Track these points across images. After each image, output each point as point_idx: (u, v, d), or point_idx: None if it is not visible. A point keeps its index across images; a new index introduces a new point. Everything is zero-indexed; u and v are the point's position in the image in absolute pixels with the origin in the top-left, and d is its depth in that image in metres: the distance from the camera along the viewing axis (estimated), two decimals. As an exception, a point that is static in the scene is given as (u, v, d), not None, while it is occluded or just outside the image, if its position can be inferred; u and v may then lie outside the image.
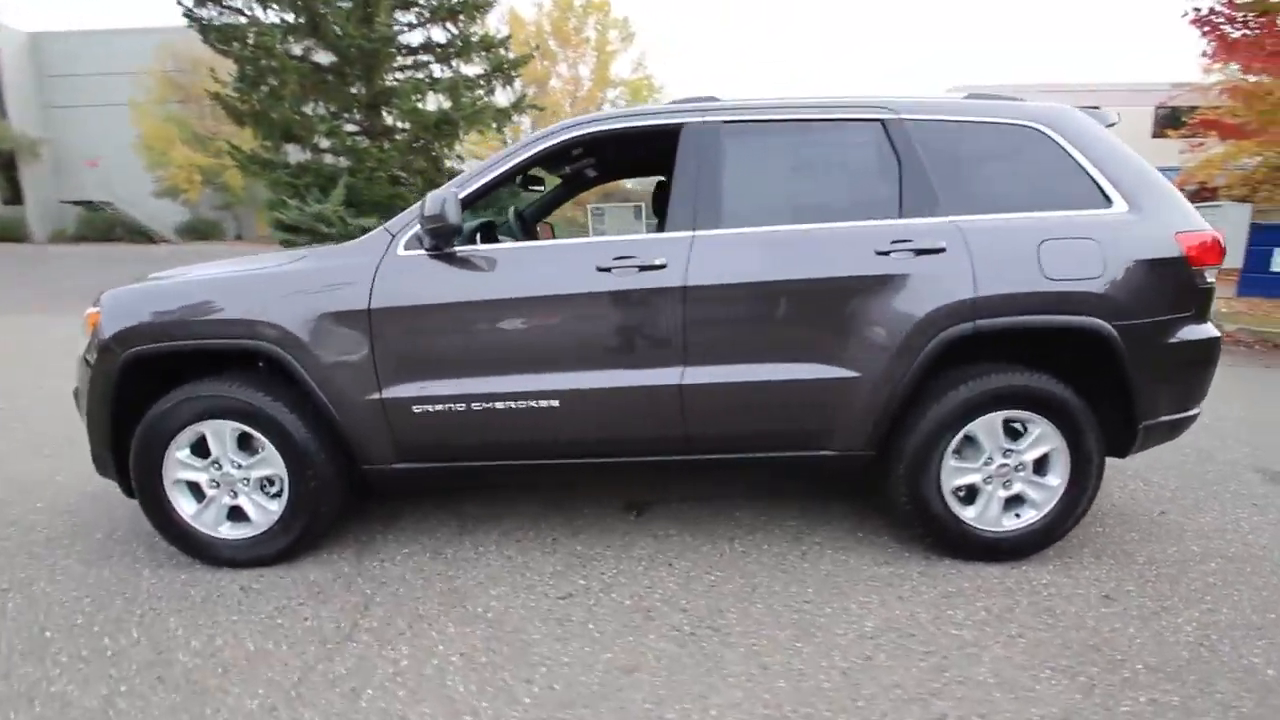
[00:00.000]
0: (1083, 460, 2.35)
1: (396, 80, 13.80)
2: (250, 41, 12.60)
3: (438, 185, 15.50)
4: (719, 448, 2.40)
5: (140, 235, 25.12)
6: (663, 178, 3.74)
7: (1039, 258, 2.26)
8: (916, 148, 2.35)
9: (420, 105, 13.29)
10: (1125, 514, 2.89)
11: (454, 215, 2.18)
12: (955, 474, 2.38)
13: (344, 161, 13.09)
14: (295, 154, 13.81)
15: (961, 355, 2.32)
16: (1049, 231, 2.28)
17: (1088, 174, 2.37)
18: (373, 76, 13.29)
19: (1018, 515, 2.43)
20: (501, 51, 13.84)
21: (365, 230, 12.77)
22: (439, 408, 2.31)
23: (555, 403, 2.30)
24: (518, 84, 15.60)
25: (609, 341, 2.30)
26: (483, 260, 2.33)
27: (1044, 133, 2.41)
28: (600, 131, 2.40)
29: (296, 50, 13.17)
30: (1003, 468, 2.38)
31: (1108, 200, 2.36)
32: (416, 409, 2.31)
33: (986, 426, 2.34)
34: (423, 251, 2.32)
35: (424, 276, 2.30)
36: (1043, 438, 2.35)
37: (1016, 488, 2.40)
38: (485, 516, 2.87)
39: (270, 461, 2.38)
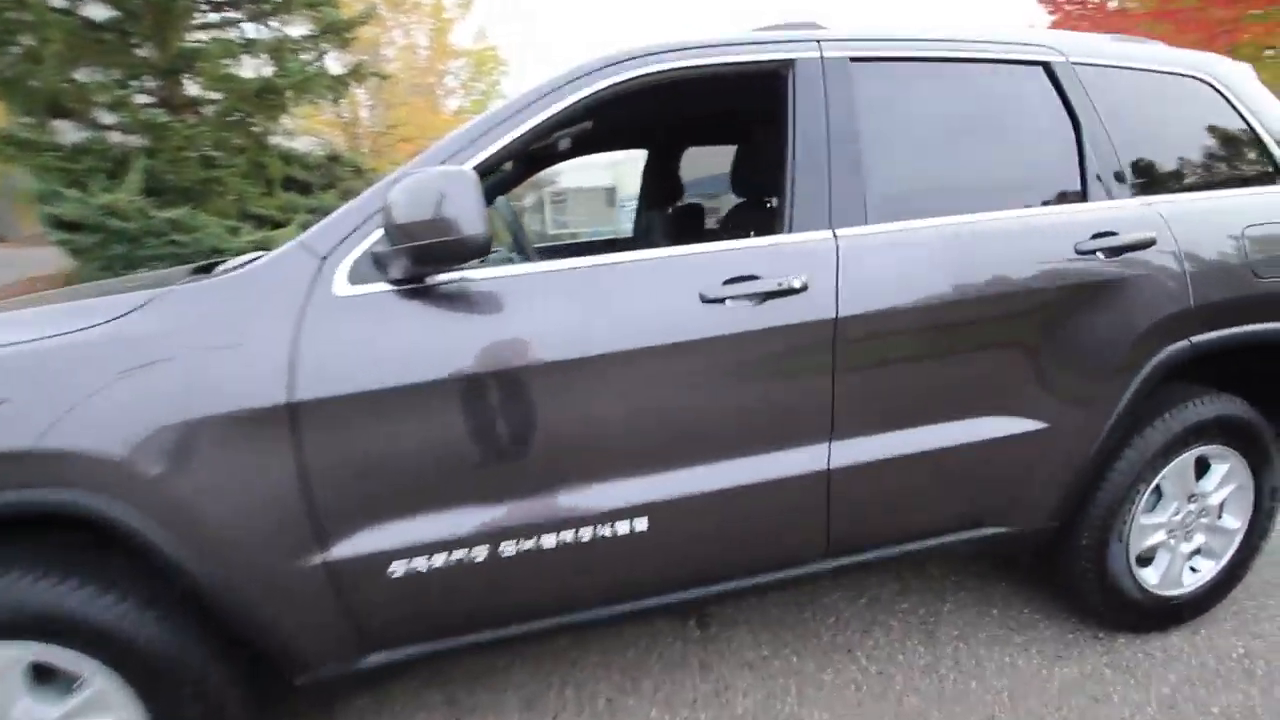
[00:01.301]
0: (1264, 495, 1.84)
1: (200, 41, 11.07)
2: (-13, -13, 9.35)
3: (263, 165, 12.94)
4: (867, 546, 1.58)
5: None
6: (647, 151, 2.78)
7: (1245, 250, 1.66)
8: (1093, 103, 1.64)
9: (233, 71, 10.77)
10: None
11: (475, 220, 1.11)
12: (1143, 534, 1.76)
13: (139, 140, 10.29)
14: (70, 132, 10.69)
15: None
16: (1250, 216, 1.69)
17: (1260, 140, 1.81)
18: (167, 35, 10.51)
19: (1194, 570, 1.88)
20: (330, 10, 11.58)
21: (175, 224, 10.15)
22: (441, 561, 1.25)
23: (642, 523, 1.34)
24: (351, 49, 13.24)
25: (723, 417, 1.36)
26: (493, 295, 1.28)
27: (1212, 86, 1.80)
28: (675, 69, 1.41)
29: (58, 1, 10.04)
30: (1188, 516, 1.81)
31: (1278, 173, 1.83)
32: (398, 569, 1.24)
33: (1179, 469, 1.74)
34: (384, 286, 1.23)
35: (393, 332, 1.21)
36: (1231, 474, 1.80)
37: (1198, 538, 1.85)
38: (483, 676, 1.82)
39: (102, 703, 1.19)
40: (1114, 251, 1.55)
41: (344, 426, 1.17)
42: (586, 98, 1.36)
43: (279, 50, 11.10)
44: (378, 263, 1.22)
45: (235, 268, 1.31)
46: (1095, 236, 1.54)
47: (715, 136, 2.57)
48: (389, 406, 1.19)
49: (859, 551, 1.56)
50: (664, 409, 1.32)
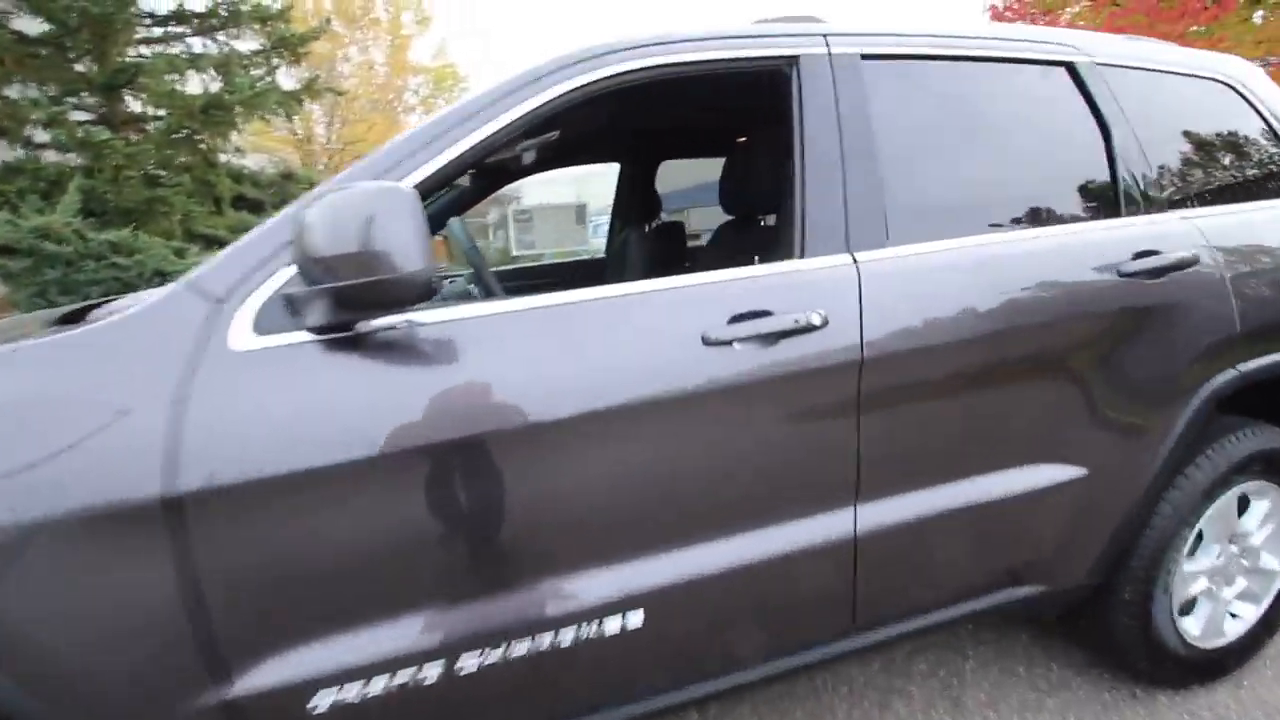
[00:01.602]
0: (1304, 530, 1.68)
1: (142, 56, 10.50)
2: (-97, -2, 8.67)
3: (211, 184, 12.38)
4: (896, 618, 1.34)
5: None
6: (620, 164, 2.55)
7: (1286, 265, 1.50)
8: (1122, 108, 1.46)
9: (179, 87, 10.23)
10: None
11: (413, 252, 0.85)
12: (1185, 583, 1.58)
13: (76, 159, 9.66)
14: (0, 151, 10.01)
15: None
16: (1288, 228, 1.54)
17: (1284, 146, 1.67)
18: (107, 50, 9.94)
19: (1234, 616, 1.70)
20: (281, 25, 11.13)
21: (116, 247, 9.58)
22: (381, 686, 0.97)
23: (636, 617, 1.08)
24: (304, 65, 12.77)
25: (732, 483, 1.12)
26: (446, 343, 1.01)
27: (1234, 89, 1.65)
28: (657, 67, 1.17)
29: (-13, 14, 9.39)
30: (1229, 559, 1.63)
31: (1301, 181, 1.68)
32: (322, 702, 0.95)
33: (1222, 508, 1.56)
34: (300, 335, 0.95)
35: (312, 396, 0.93)
36: (1273, 511, 1.64)
37: (1240, 582, 1.67)
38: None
39: None
40: (1156, 273, 1.36)
41: (246, 522, 0.89)
42: (553, 100, 1.11)
43: (227, 65, 10.60)
44: (291, 306, 0.94)
45: (108, 315, 1.01)
46: (1137, 256, 1.35)
47: (700, 146, 2.35)
48: (308, 493, 0.91)
49: (887, 624, 1.33)
50: (661, 476, 1.07)
